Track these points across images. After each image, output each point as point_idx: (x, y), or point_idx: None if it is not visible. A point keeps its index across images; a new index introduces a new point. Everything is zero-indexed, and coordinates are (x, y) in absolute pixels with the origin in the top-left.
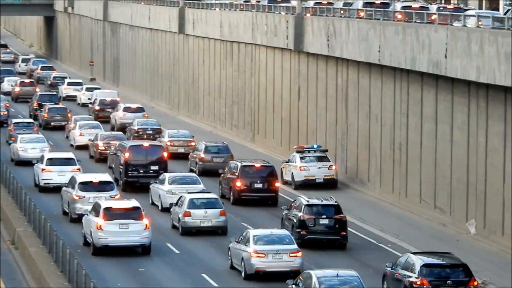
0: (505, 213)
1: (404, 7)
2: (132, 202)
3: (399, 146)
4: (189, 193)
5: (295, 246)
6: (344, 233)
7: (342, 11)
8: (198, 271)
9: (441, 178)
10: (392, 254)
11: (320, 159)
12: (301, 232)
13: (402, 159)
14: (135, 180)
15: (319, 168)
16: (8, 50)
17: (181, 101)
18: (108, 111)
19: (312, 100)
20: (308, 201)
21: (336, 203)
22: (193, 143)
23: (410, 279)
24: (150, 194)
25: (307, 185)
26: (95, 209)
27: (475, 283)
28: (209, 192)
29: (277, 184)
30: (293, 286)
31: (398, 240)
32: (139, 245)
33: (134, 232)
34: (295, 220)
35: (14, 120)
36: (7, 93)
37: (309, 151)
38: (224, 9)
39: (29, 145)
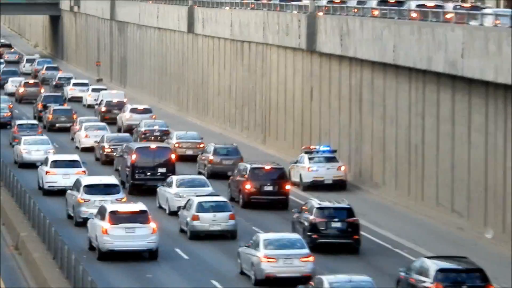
0: None
1: (419, 6)
2: (139, 206)
3: (415, 148)
4: (197, 196)
5: (306, 250)
6: (357, 237)
7: (355, 10)
8: (207, 277)
9: (458, 181)
10: (407, 259)
11: (329, 159)
12: (313, 236)
13: (418, 161)
14: (142, 183)
15: (328, 169)
16: (12, 50)
17: (190, 102)
18: (115, 113)
19: (325, 101)
20: (319, 204)
21: (348, 206)
22: (201, 145)
23: (425, 284)
24: (157, 197)
25: (316, 186)
26: (101, 212)
27: None
28: (218, 195)
29: (288, 187)
30: None
31: (415, 245)
32: (146, 249)
33: (141, 236)
34: (306, 224)
35: (18, 122)
36: (11, 94)
37: (317, 152)
38: (235, 8)
39: (33, 147)
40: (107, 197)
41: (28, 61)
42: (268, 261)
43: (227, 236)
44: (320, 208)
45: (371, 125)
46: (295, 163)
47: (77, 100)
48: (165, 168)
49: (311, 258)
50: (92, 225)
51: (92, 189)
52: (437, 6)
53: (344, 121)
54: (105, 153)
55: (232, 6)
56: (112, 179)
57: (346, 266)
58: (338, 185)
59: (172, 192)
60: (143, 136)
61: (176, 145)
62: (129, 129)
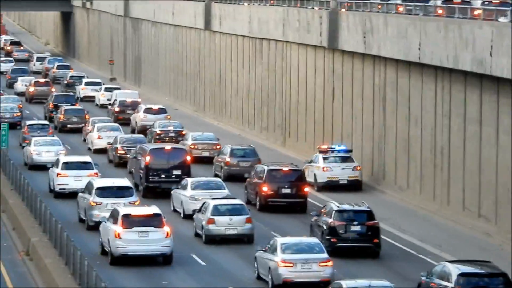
0: None
1: (445, 2)
2: (153, 209)
3: (441, 150)
4: (213, 199)
5: (325, 255)
6: (377, 241)
7: (379, 6)
8: (223, 282)
9: (485, 185)
10: (430, 264)
11: (344, 159)
12: (331, 240)
13: (444, 164)
14: (156, 186)
15: (343, 169)
16: (22, 48)
17: (207, 102)
18: (129, 113)
19: (347, 102)
20: (338, 207)
21: (368, 209)
22: (218, 146)
23: None
24: (172, 200)
25: (330, 186)
26: (113, 216)
27: None
28: (234, 198)
29: (306, 189)
30: None
31: (439, 251)
32: (160, 254)
33: (155, 241)
34: (325, 227)
35: (28, 122)
36: (20, 94)
37: (332, 151)
38: (253, 4)
39: (43, 149)
40: (120, 200)
41: (38, 59)
42: (286, 266)
43: (243, 240)
44: (339, 211)
45: (395, 126)
46: (310, 163)
47: (90, 99)
48: (180, 170)
49: (330, 263)
50: (105, 229)
51: (105, 191)
52: (464, 2)
53: (367, 122)
54: (118, 155)
55: (250, 2)
56: (125, 182)
57: (365, 271)
58: (354, 186)
59: (187, 195)
60: (157, 137)
61: (192, 146)
62: (143, 130)
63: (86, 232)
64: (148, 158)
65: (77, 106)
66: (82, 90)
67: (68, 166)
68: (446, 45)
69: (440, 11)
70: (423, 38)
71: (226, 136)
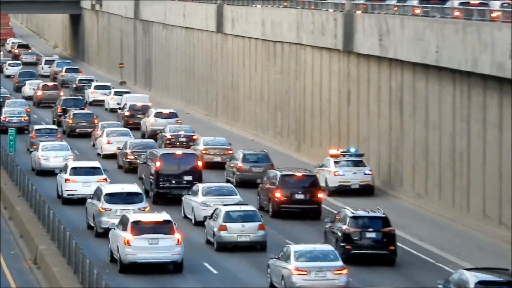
0: None
1: (462, 3)
2: (163, 215)
3: (460, 156)
4: (224, 205)
5: (340, 263)
6: (393, 248)
7: (395, 8)
8: None
9: (506, 191)
10: (447, 272)
11: (355, 163)
12: (346, 247)
13: (464, 170)
14: (167, 192)
15: (355, 173)
16: (30, 51)
17: (219, 106)
18: (139, 117)
19: (363, 106)
20: (353, 213)
21: (384, 215)
22: (230, 152)
23: None
24: (183, 207)
25: (342, 191)
26: (123, 222)
27: None
28: (247, 204)
29: (320, 195)
30: None
31: (459, 259)
32: (170, 261)
33: (165, 248)
34: (339, 234)
35: (36, 127)
36: (28, 98)
37: (344, 155)
38: (266, 6)
39: (51, 154)
40: (129, 206)
41: (46, 62)
42: (299, 274)
43: (256, 247)
44: (354, 217)
45: (413, 131)
46: (321, 167)
47: (99, 104)
48: (191, 176)
49: (344, 271)
50: (114, 236)
51: (114, 197)
52: (482, 4)
53: (383, 127)
54: (128, 160)
55: (263, 4)
56: (134, 187)
57: (381, 279)
58: (365, 190)
59: (198, 201)
60: (168, 142)
61: (203, 151)
62: (154, 135)
63: (95, 239)
64: (158, 164)
65: (86, 110)
66: (91, 94)
67: (76, 171)
68: (464, 48)
69: (457, 13)
70: (440, 40)
71: (239, 141)
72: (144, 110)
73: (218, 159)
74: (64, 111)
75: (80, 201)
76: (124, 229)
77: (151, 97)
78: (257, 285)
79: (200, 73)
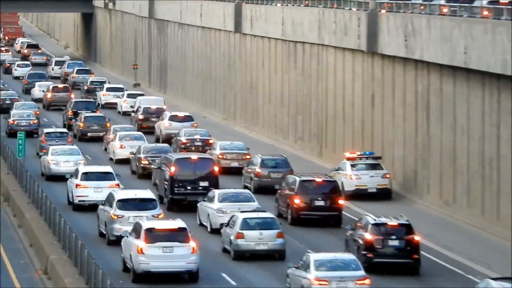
0: None
1: (491, 2)
2: (178, 223)
3: (489, 162)
4: (242, 212)
5: (362, 272)
6: (417, 256)
7: (421, 7)
8: None
9: None
10: (473, 282)
11: (372, 167)
12: (368, 255)
13: (493, 176)
14: (182, 198)
15: (372, 176)
16: (39, 51)
17: (237, 110)
18: (153, 121)
19: (388, 109)
20: (375, 220)
21: (407, 222)
22: (247, 156)
23: None
24: (198, 214)
25: (358, 195)
26: (136, 230)
27: None
28: (265, 211)
29: (341, 201)
30: None
31: (489, 271)
32: (185, 271)
33: (180, 256)
34: (361, 242)
35: (46, 130)
36: (38, 100)
37: (360, 158)
38: (287, 5)
39: (61, 158)
40: (142, 213)
41: (57, 63)
42: (320, 284)
43: (274, 256)
44: (376, 225)
45: (440, 136)
46: (337, 170)
47: (111, 106)
48: (208, 182)
49: (367, 281)
50: (126, 244)
51: (127, 204)
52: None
53: (409, 131)
54: (142, 165)
55: (284, 3)
56: (148, 193)
57: None
58: (383, 194)
59: (214, 208)
60: (183, 146)
61: (220, 156)
62: (168, 139)
63: (107, 248)
64: (173, 169)
65: (98, 114)
66: (104, 96)
67: (88, 176)
68: (494, 48)
69: (486, 12)
70: (468, 41)
71: (258, 146)
72: (159, 113)
73: (235, 164)
74: (75, 114)
75: (91, 208)
76: (137, 237)
77: (166, 100)
78: None
79: (218, 74)
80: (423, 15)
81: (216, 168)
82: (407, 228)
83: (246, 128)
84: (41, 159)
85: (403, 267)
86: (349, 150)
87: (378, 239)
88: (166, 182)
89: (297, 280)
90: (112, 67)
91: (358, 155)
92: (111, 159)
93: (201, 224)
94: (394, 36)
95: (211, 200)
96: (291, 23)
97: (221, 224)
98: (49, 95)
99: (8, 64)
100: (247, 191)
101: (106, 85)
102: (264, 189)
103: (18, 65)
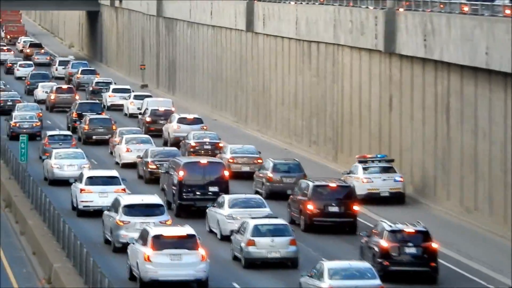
0: None
1: None
2: (186, 229)
3: None
4: (253, 218)
5: (377, 281)
6: (435, 264)
7: (441, 5)
8: None
9: None
10: None
11: (385, 170)
12: (384, 263)
13: None
14: (191, 204)
15: (384, 180)
16: (43, 51)
17: (249, 112)
18: (161, 123)
19: (406, 112)
20: (391, 226)
21: (424, 229)
22: (259, 161)
23: None
24: (207, 220)
25: (371, 199)
26: (143, 236)
27: None
28: (277, 217)
29: (356, 207)
30: None
31: None
32: (194, 279)
33: (188, 264)
34: (376, 249)
35: (49, 133)
36: (41, 101)
37: (372, 161)
38: (301, 3)
39: (65, 162)
40: (149, 219)
41: (61, 63)
42: None
43: (287, 264)
44: (392, 231)
45: (460, 140)
46: (348, 173)
47: (118, 108)
48: (217, 187)
49: None
50: (133, 251)
51: (133, 210)
52: None
53: (428, 135)
54: (149, 170)
55: (298, 1)
56: (155, 199)
57: None
58: (396, 198)
59: (224, 214)
60: (192, 150)
61: (230, 160)
62: (177, 142)
63: (112, 255)
64: (181, 173)
65: (104, 116)
66: (109, 97)
67: (92, 181)
68: None
69: (508, 11)
70: (490, 41)
71: (270, 150)
72: (167, 115)
73: (246, 168)
74: (80, 116)
75: (96, 213)
76: (144, 244)
77: (174, 101)
78: None
79: (229, 75)
80: (443, 14)
81: (226, 173)
82: (425, 235)
83: (258, 131)
84: (44, 163)
85: (420, 275)
86: (360, 153)
87: (394, 246)
88: (174, 187)
89: None
90: (119, 68)
91: (369, 157)
92: (117, 163)
93: (211, 231)
94: (413, 35)
95: (221, 206)
96: (305, 22)
97: (231, 231)
98: (52, 96)
99: (10, 64)
100: (258, 196)
101: (112, 86)
102: (276, 195)
103: (21, 65)
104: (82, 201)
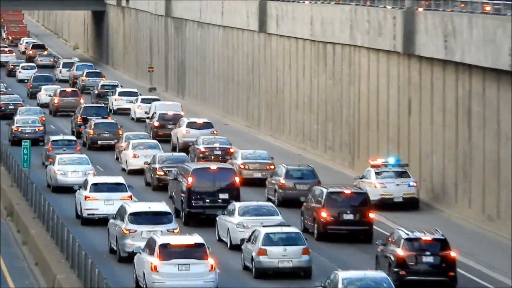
0: None
1: None
2: (195, 238)
3: None
4: (264, 226)
5: None
6: (453, 274)
7: (462, 5)
8: None
9: None
10: None
11: (399, 174)
12: (400, 273)
13: None
14: (200, 211)
15: (398, 185)
16: (46, 53)
17: (262, 116)
18: (170, 128)
19: (426, 116)
20: (408, 235)
21: (443, 237)
22: (271, 167)
23: None
24: (217, 228)
25: (383, 204)
26: (150, 246)
27: None
28: (289, 226)
29: (372, 215)
30: None
31: None
32: None
33: (197, 275)
34: (392, 258)
35: (53, 138)
36: (44, 105)
37: (386, 166)
38: (316, 2)
39: (69, 168)
40: (156, 228)
41: (65, 65)
42: None
43: (299, 274)
44: (409, 240)
45: (482, 145)
46: (361, 178)
47: (124, 112)
48: (228, 194)
49: None
50: (139, 260)
51: (139, 218)
52: None
53: (449, 140)
54: (157, 176)
55: (312, 0)
56: (162, 206)
57: None
58: (410, 204)
59: (235, 222)
60: (201, 155)
61: (242, 166)
62: (186, 147)
63: (118, 265)
64: (190, 180)
65: (110, 120)
66: (116, 101)
67: (97, 188)
68: None
69: None
70: None
71: (283, 155)
72: (176, 119)
73: (258, 175)
74: (85, 121)
75: (101, 221)
76: (151, 253)
77: (184, 105)
78: None
79: (240, 78)
80: (464, 14)
81: (237, 179)
82: (443, 244)
83: (271, 136)
84: (47, 168)
85: (438, 285)
86: (372, 157)
87: (411, 255)
88: (183, 194)
89: None
90: (125, 70)
91: (382, 162)
92: (123, 169)
93: (220, 240)
94: (433, 36)
95: (231, 213)
96: (320, 22)
97: (242, 240)
98: (56, 99)
99: (12, 66)
100: (270, 204)
101: (119, 89)
102: (289, 202)
103: (23, 67)
104: (87, 209)
